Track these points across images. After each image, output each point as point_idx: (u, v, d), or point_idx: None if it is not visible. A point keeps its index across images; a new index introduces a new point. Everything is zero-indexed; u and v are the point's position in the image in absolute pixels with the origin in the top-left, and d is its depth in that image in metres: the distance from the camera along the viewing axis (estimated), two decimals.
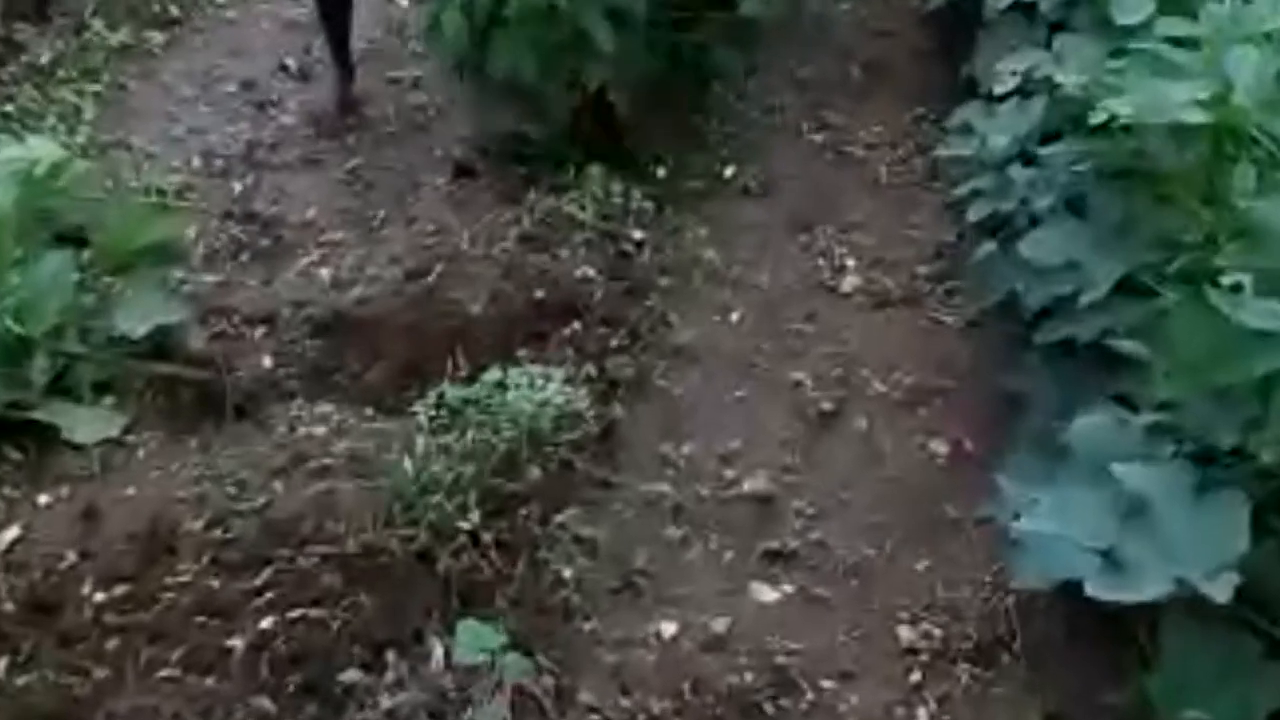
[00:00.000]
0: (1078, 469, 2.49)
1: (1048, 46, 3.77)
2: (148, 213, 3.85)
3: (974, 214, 3.42)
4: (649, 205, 4.20)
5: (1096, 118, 2.89)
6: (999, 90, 3.54)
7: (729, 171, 4.59)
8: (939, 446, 3.45)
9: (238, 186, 4.32)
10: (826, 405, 3.56)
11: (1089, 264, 2.98)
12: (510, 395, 3.25)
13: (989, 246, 3.45)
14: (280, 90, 4.95)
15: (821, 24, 5.56)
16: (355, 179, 4.43)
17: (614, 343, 3.62)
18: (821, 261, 4.16)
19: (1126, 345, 2.62)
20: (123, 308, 3.44)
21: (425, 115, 4.84)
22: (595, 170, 4.33)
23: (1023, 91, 3.66)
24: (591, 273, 3.84)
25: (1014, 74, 3.52)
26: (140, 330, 3.37)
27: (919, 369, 3.71)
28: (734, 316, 3.90)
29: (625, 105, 4.66)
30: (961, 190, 3.54)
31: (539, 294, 3.78)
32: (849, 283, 4.07)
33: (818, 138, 4.82)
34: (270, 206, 4.24)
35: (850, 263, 4.15)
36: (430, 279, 3.96)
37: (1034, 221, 3.33)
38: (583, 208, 4.09)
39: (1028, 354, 3.26)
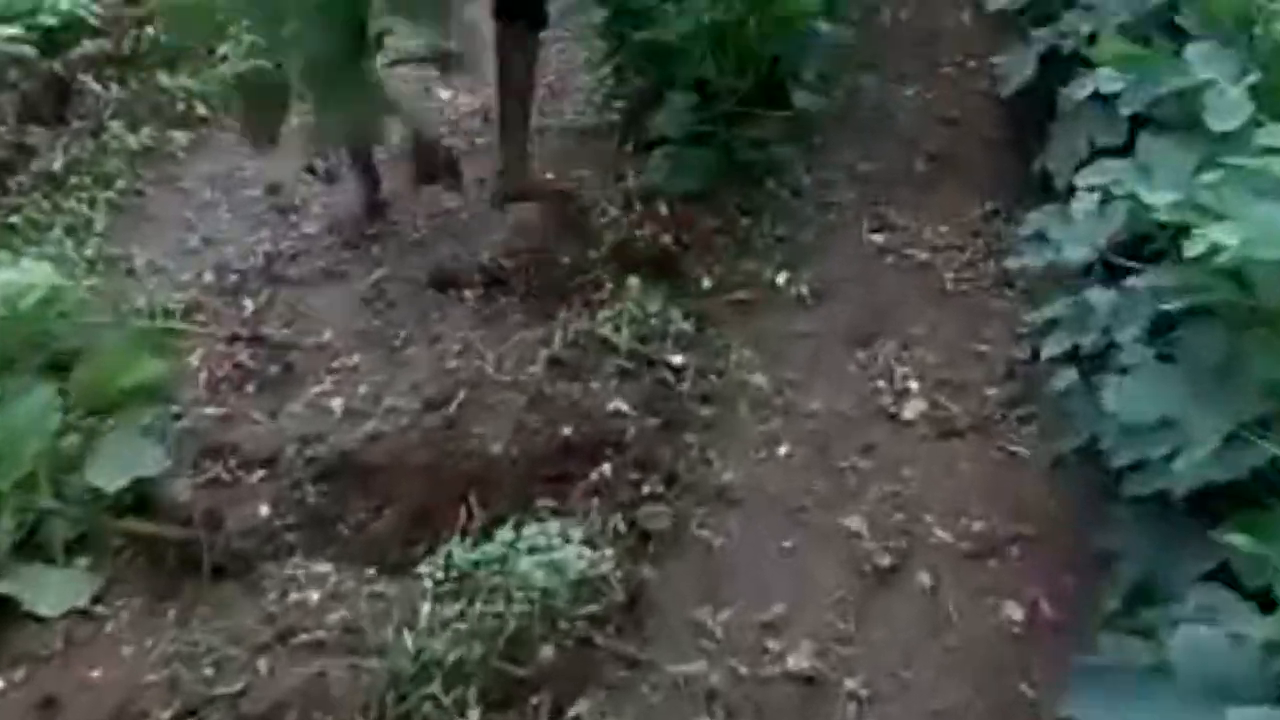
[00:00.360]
0: (1179, 696, 2.02)
1: (1128, 146, 3.35)
2: (140, 344, 3.46)
3: (1050, 348, 2.96)
4: (690, 326, 3.77)
5: (1193, 248, 2.44)
6: (1077, 208, 3.07)
7: (781, 278, 4.16)
8: (1013, 610, 2.98)
9: (250, 305, 3.95)
10: (885, 560, 3.11)
11: (1186, 420, 2.52)
12: (524, 561, 2.83)
13: (1068, 374, 3.00)
14: (305, 194, 4.60)
15: (883, 112, 5.12)
16: (377, 294, 4.05)
17: (647, 489, 3.20)
18: (881, 383, 3.71)
19: (1238, 540, 2.15)
20: (99, 458, 3.05)
21: (459, 221, 4.43)
22: (634, 282, 3.92)
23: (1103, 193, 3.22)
24: (625, 407, 3.42)
25: (1092, 189, 3.06)
26: (115, 485, 2.98)
27: (990, 513, 3.25)
28: (782, 451, 3.46)
29: (670, 210, 4.26)
30: (1035, 316, 3.09)
31: (566, 430, 3.36)
32: (912, 408, 3.61)
33: (878, 238, 4.38)
34: (283, 328, 3.87)
35: (913, 384, 3.70)
36: (450, 409, 3.56)
37: (1114, 345, 2.90)
38: (618, 329, 3.67)
39: (1115, 504, 2.79)
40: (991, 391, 3.66)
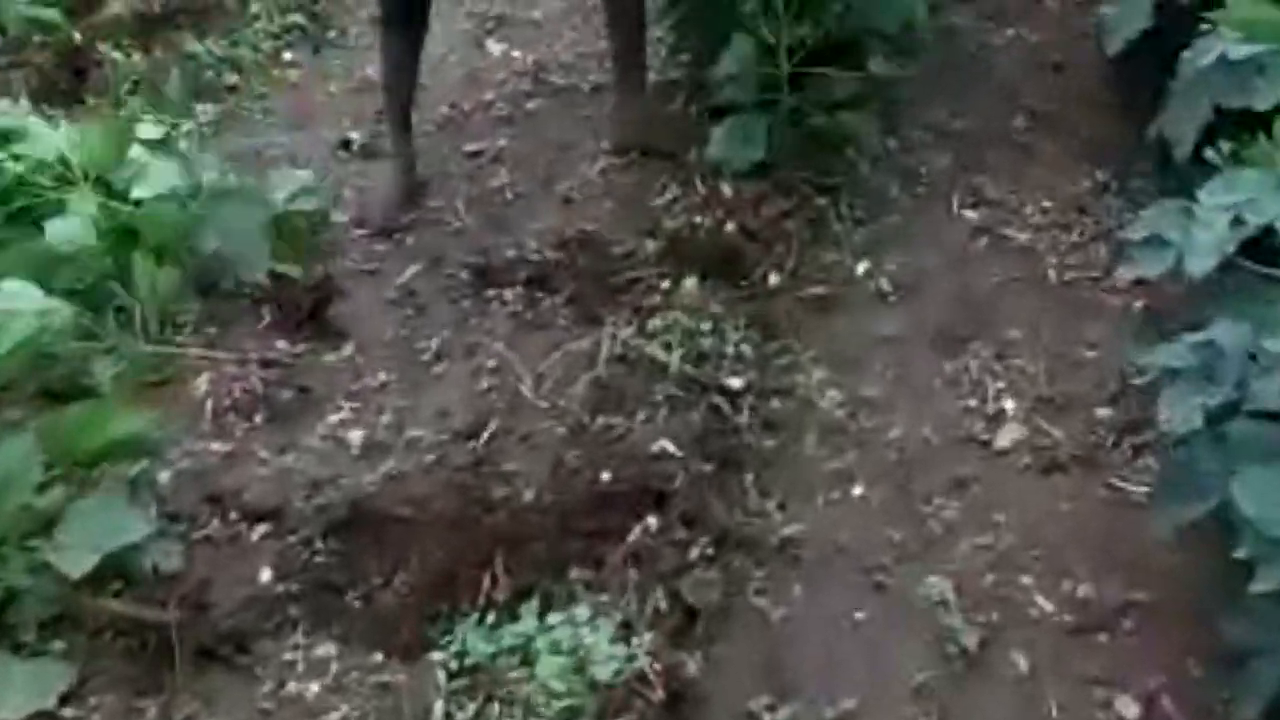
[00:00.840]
0: None
1: (1259, 125, 2.77)
2: (137, 375, 3.03)
3: (1170, 410, 2.41)
4: (751, 339, 3.27)
5: None
6: (1201, 238, 2.52)
7: (860, 269, 3.62)
8: (1127, 707, 2.47)
9: (268, 314, 3.48)
10: (974, 638, 2.60)
11: None
12: (547, 663, 2.37)
13: (1191, 419, 2.47)
14: (340, 174, 4.11)
15: (978, 59, 4.51)
16: (409, 296, 3.59)
17: (694, 552, 2.72)
18: (973, 401, 3.19)
19: None
20: (70, 528, 2.63)
21: (503, 201, 3.94)
22: (690, 284, 3.41)
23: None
24: (672, 447, 2.93)
25: (1228, 210, 2.50)
26: (82, 567, 2.56)
27: (1098, 572, 2.74)
28: (857, 491, 2.96)
29: (735, 191, 3.73)
30: (1150, 362, 2.56)
31: (605, 475, 2.89)
32: (1008, 435, 3.09)
33: (971, 215, 3.81)
34: (302, 342, 3.39)
35: (1009, 404, 3.17)
36: (481, 441, 3.10)
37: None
38: (668, 346, 3.17)
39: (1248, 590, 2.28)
40: (1102, 413, 3.13)
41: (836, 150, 3.99)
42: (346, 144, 4.22)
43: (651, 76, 4.31)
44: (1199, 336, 2.49)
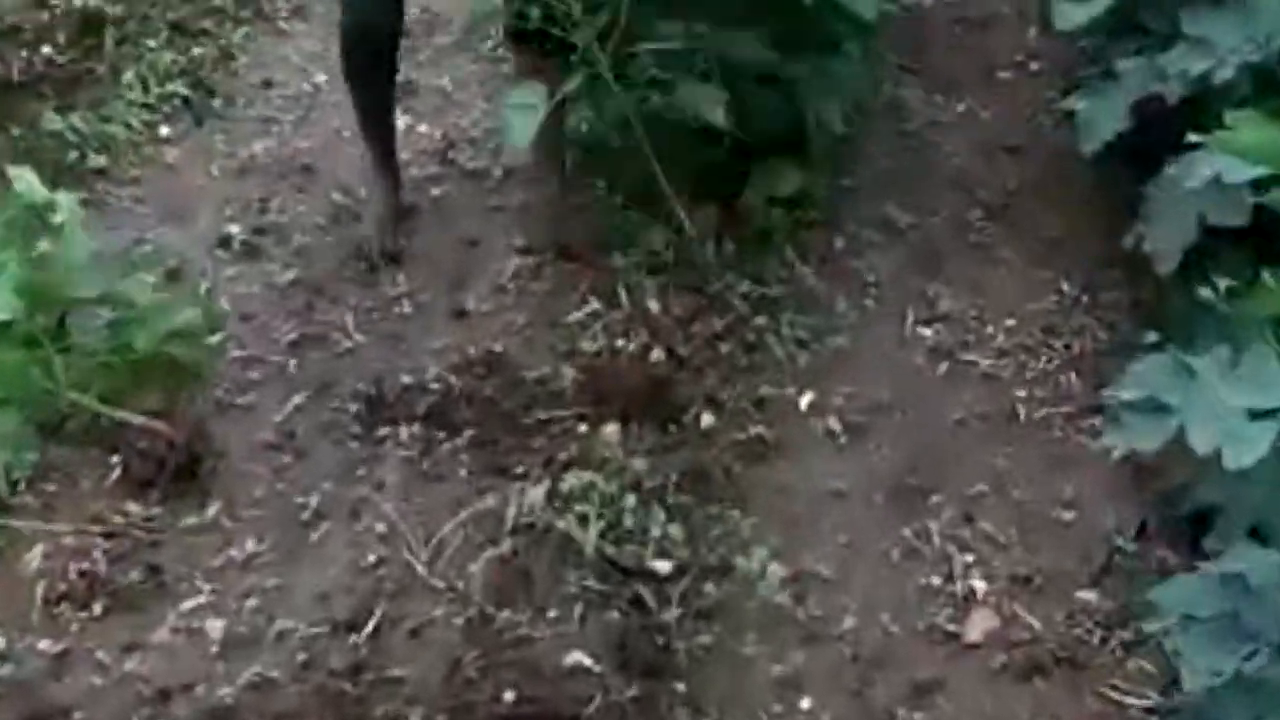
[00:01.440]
0: None
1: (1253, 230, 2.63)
2: None
3: (1192, 667, 1.93)
4: (680, 510, 2.77)
5: None
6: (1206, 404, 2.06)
7: (804, 402, 3.13)
8: None
9: (117, 466, 2.92)
10: None
11: None
12: None
13: (1218, 675, 1.99)
14: (215, 275, 3.53)
15: (927, 139, 4.02)
16: (288, 439, 3.05)
17: None
18: (936, 579, 2.71)
19: None
20: None
21: (400, 314, 3.41)
22: (610, 431, 2.89)
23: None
24: (587, 660, 2.41)
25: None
26: None
27: None
28: (804, 704, 2.47)
29: (663, 305, 3.22)
30: (1159, 602, 2.08)
31: (509, 694, 2.36)
32: (978, 625, 2.61)
33: (927, 334, 3.33)
34: (154, 506, 2.84)
35: (978, 582, 2.69)
36: (364, 635, 2.56)
37: None
38: (584, 520, 2.64)
39: None
40: (1084, 596, 2.65)
41: (775, 253, 3.48)
42: (226, 241, 3.65)
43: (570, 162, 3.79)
44: (1222, 568, 2.00)
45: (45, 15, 4.59)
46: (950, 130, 4.11)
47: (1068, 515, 2.83)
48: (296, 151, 4.08)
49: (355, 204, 3.84)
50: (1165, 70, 3.18)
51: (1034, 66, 4.39)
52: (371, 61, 3.54)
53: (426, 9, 4.78)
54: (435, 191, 3.89)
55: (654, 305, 3.28)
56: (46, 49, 4.35)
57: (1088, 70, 3.52)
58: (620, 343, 3.21)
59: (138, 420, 2.87)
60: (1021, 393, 3.15)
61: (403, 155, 3.95)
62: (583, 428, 2.97)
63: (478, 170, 3.97)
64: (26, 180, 2.89)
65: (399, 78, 4.10)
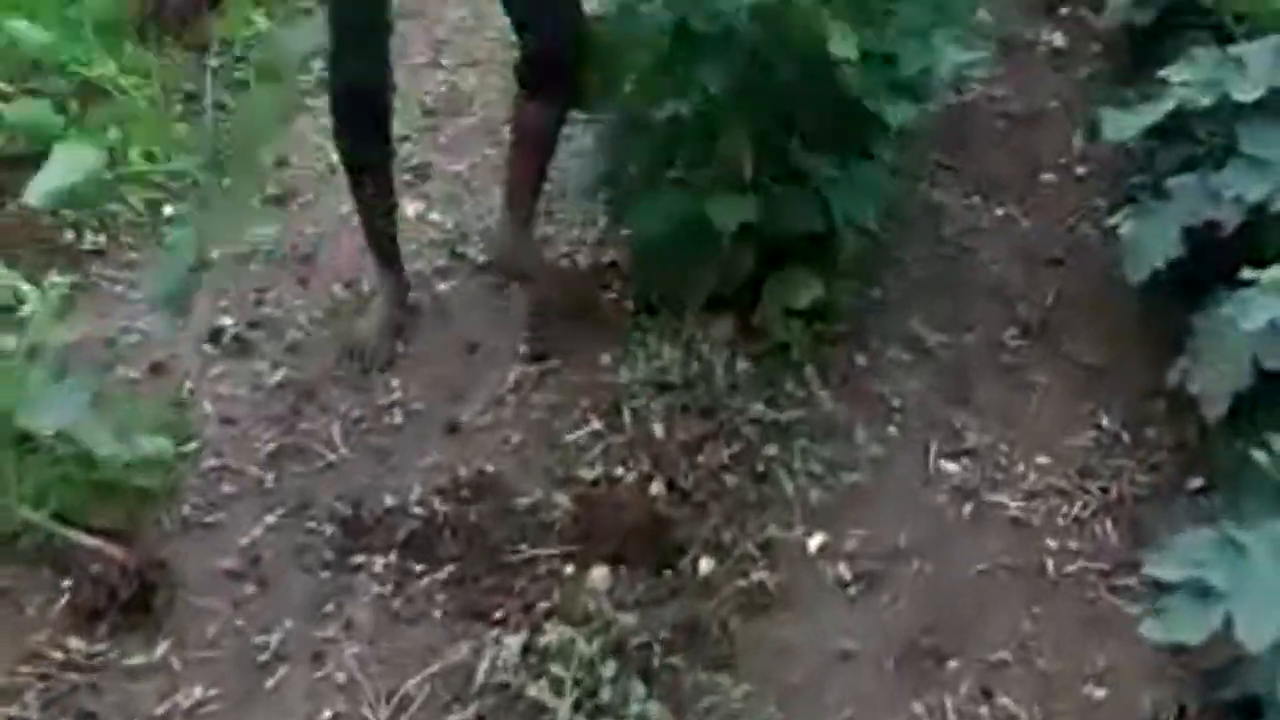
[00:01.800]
0: None
1: None
2: None
3: None
4: (665, 679, 2.48)
5: None
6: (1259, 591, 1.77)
7: (814, 544, 2.84)
8: None
9: (68, 592, 2.66)
10: None
11: None
12: None
13: None
14: (201, 373, 3.29)
15: (964, 246, 3.73)
16: (252, 565, 2.81)
17: None
18: None
19: None
20: None
21: (390, 424, 3.14)
22: (599, 575, 2.62)
23: None
24: None
25: None
26: None
27: None
28: None
29: (667, 431, 2.95)
30: None
31: None
32: None
33: (952, 470, 3.02)
34: (102, 638, 2.57)
35: None
36: None
37: None
38: (558, 687, 2.39)
39: None
40: None
41: (794, 369, 3.19)
42: (217, 335, 3.40)
43: (583, 260, 3.53)
44: None
45: (64, 82, 4.35)
46: (988, 237, 3.82)
47: (1099, 693, 2.52)
48: (301, 238, 3.83)
49: (355, 299, 3.58)
50: (1219, 192, 2.90)
51: (1080, 170, 4.10)
52: (366, 129, 3.26)
53: (453, 86, 4.55)
54: (441, 287, 3.63)
55: (658, 429, 3.00)
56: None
57: (1136, 178, 3.24)
58: (619, 470, 2.93)
59: (91, 543, 2.61)
60: (1052, 542, 2.84)
61: (410, 246, 3.71)
62: (570, 569, 2.69)
63: (486, 265, 3.69)
64: None
65: (414, 162, 3.87)
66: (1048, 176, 4.09)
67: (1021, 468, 3.03)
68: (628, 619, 2.54)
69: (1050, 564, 2.80)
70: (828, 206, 3.17)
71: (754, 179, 3.10)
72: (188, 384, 3.28)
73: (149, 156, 4.05)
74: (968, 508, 2.94)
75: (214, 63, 4.37)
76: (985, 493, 2.97)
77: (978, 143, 4.23)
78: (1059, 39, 4.72)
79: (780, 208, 3.14)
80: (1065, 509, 2.93)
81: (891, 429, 3.15)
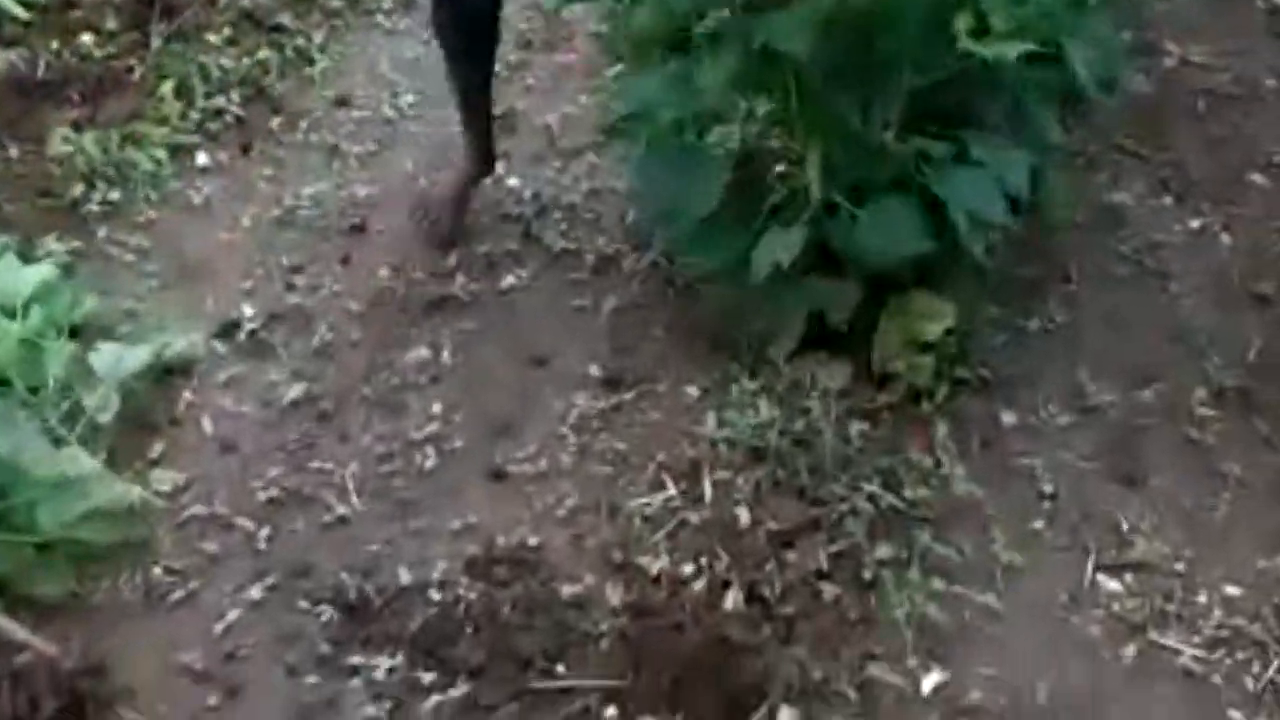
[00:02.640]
0: None
1: None
2: None
3: None
4: None
5: None
6: None
7: (928, 684, 2.25)
8: None
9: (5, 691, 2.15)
10: None
11: None
12: None
13: None
14: (205, 380, 2.73)
15: (1146, 267, 3.03)
16: (223, 663, 2.29)
17: None
18: None
19: None
20: None
21: (418, 468, 2.58)
22: None
23: None
24: None
25: None
26: None
27: None
28: None
29: (749, 515, 2.34)
30: None
31: None
32: None
33: (1113, 589, 2.41)
34: None
35: None
36: None
37: None
38: None
39: None
40: None
41: (919, 431, 2.54)
42: (231, 329, 2.84)
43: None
44: None
45: None
46: (1179, 256, 3.12)
47: None
48: (352, 202, 3.24)
49: (405, 283, 2.99)
50: None
51: None
52: (470, 42, 2.90)
53: (552, 15, 3.89)
54: (508, 279, 3.04)
55: (743, 515, 2.39)
56: (86, 37, 3.56)
57: None
58: (689, 568, 2.33)
59: (20, 635, 2.08)
60: (1236, 713, 2.17)
61: (481, 219, 3.11)
62: (611, 711, 2.09)
63: (566, 253, 3.08)
64: None
65: (497, 110, 3.25)
66: (1258, 179, 3.35)
67: (1204, 598, 2.37)
68: None
69: None
70: (939, 207, 2.48)
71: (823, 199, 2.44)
72: (187, 394, 2.71)
73: (187, 91, 3.45)
74: (1128, 649, 2.30)
75: None
76: (1152, 628, 2.32)
77: (1173, 127, 3.49)
78: None
79: (873, 221, 2.47)
80: (1257, 666, 2.26)
81: (1038, 523, 2.51)
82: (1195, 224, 3.20)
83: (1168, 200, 3.28)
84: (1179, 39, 3.68)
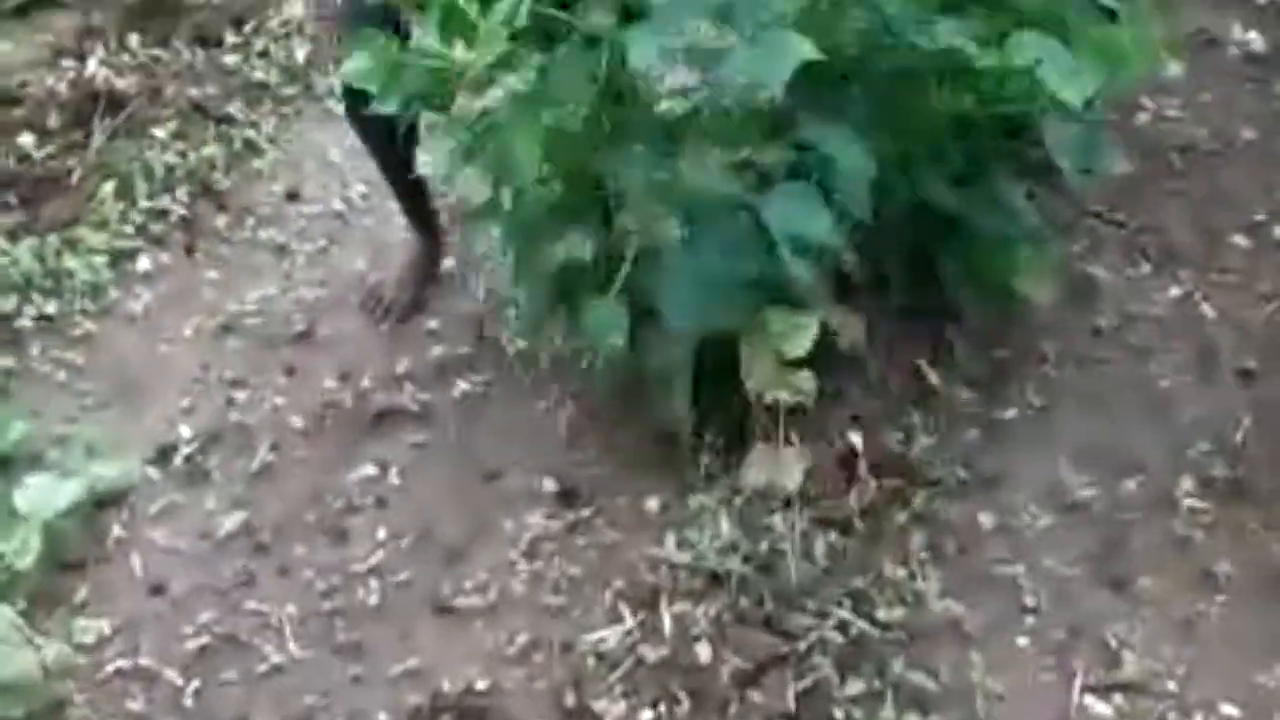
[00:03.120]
0: None
1: None
2: None
3: None
4: None
5: None
6: None
7: None
8: None
9: None
10: None
11: None
12: None
13: None
14: (137, 513, 2.54)
15: (1126, 343, 2.84)
16: None
17: None
18: None
19: None
20: None
21: (362, 604, 2.38)
22: None
23: None
24: None
25: None
26: None
27: None
28: None
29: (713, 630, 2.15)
30: None
31: None
32: None
33: (1101, 713, 2.22)
34: None
35: None
36: None
37: None
38: None
39: None
40: None
41: (896, 540, 2.35)
42: (168, 453, 2.65)
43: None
44: None
45: (52, 80, 3.59)
46: (1159, 330, 2.92)
47: None
48: (299, 306, 3.05)
49: (353, 394, 2.80)
50: None
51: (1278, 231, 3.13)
52: (385, 142, 2.73)
53: None
54: (461, 386, 2.84)
55: (704, 651, 2.18)
56: (26, 137, 3.38)
57: None
58: (647, 715, 2.12)
59: None
60: None
61: (430, 323, 2.92)
62: None
63: (521, 354, 2.88)
64: None
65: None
66: (1239, 240, 3.15)
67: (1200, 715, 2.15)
68: None
69: None
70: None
71: None
72: (117, 528, 2.52)
73: (128, 192, 3.27)
74: None
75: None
76: None
77: (1148, 185, 3.29)
78: (1257, 40, 3.68)
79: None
80: None
81: (1021, 639, 2.31)
82: (1175, 293, 3.01)
83: (1146, 269, 3.09)
84: (1153, 94, 3.48)
